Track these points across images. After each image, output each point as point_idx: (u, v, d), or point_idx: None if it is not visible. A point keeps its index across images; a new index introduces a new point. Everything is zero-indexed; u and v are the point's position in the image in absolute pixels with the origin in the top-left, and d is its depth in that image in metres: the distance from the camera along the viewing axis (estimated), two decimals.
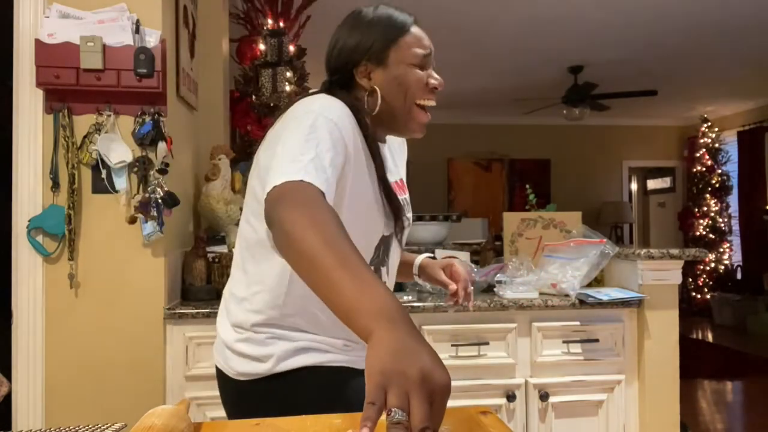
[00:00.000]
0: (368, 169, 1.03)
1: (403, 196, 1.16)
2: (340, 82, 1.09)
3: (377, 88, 1.06)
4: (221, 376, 1.14)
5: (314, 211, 0.76)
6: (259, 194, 0.98)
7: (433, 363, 0.57)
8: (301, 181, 0.81)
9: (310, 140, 0.89)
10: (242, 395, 1.08)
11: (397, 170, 1.19)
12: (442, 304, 1.94)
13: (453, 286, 1.23)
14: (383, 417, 0.54)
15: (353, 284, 0.66)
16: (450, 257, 1.43)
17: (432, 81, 1.08)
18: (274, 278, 1.04)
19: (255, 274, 1.07)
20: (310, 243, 0.71)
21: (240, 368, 1.08)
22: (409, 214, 1.18)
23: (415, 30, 1.08)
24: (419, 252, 1.40)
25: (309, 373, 1.05)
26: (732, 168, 7.31)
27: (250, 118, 2.85)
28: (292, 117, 0.98)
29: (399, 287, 2.14)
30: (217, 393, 1.82)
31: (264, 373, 1.05)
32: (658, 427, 2.03)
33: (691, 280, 7.26)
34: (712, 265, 7.15)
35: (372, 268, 1.07)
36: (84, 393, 1.82)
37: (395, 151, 1.22)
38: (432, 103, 1.09)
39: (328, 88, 1.08)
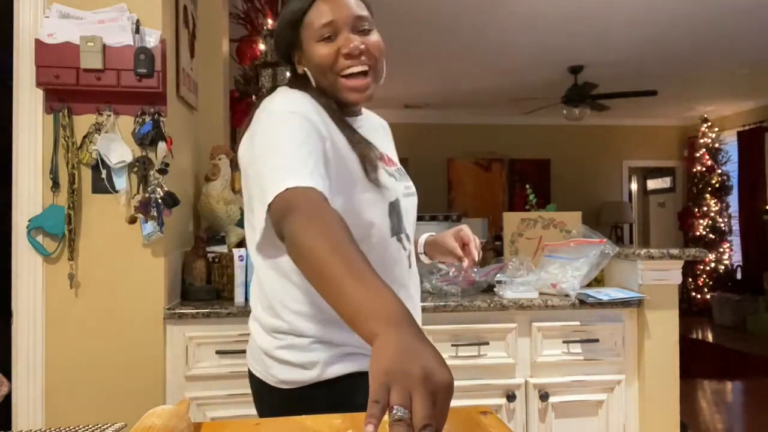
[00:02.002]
0: (347, 144, 1.04)
1: (394, 167, 1.16)
2: (292, 72, 1.13)
3: (306, 70, 1.08)
4: (259, 385, 1.09)
5: (317, 219, 0.78)
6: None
7: (436, 362, 0.58)
8: (295, 188, 0.83)
9: (283, 142, 0.91)
10: (289, 404, 1.04)
11: (380, 144, 1.18)
12: (442, 303, 1.94)
13: (469, 257, 1.23)
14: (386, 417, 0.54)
15: (358, 290, 0.67)
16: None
17: (344, 49, 1.03)
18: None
19: (277, 277, 1.06)
20: (317, 252, 0.73)
21: (282, 376, 1.04)
22: (408, 183, 1.18)
23: (318, 4, 1.04)
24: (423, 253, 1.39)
25: (362, 379, 1.01)
26: (732, 168, 7.31)
27: None
28: (258, 123, 0.99)
29: None
30: (216, 393, 1.83)
31: (310, 380, 1.02)
32: (658, 427, 2.03)
33: (691, 280, 7.26)
34: (712, 265, 7.15)
35: (394, 239, 1.08)
36: (84, 393, 1.82)
37: (377, 128, 1.24)
38: (354, 69, 1.04)
39: (290, 80, 1.13)
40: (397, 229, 1.09)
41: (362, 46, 1.03)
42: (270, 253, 0.94)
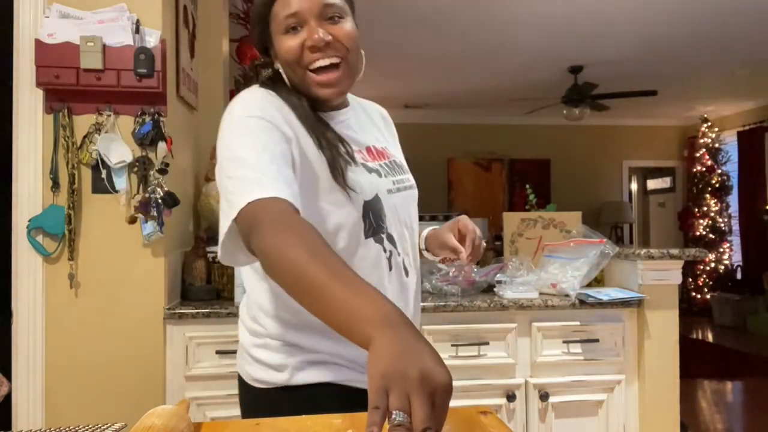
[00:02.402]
0: (315, 145, 0.98)
1: (383, 161, 1.08)
2: (273, 69, 1.07)
3: (278, 65, 1.02)
4: (240, 382, 1.09)
5: (286, 230, 0.75)
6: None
7: (434, 363, 0.57)
8: (258, 200, 0.80)
9: (243, 151, 0.87)
10: (261, 404, 1.03)
11: (372, 137, 1.12)
12: (442, 304, 1.94)
13: (464, 254, 1.11)
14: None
15: (346, 295, 0.66)
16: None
17: (308, 42, 0.96)
18: None
19: (257, 279, 1.04)
20: (294, 264, 0.71)
21: (256, 374, 1.03)
22: (402, 176, 1.10)
23: None
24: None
25: (335, 391, 1.00)
26: (732, 168, 7.31)
27: None
28: (220, 133, 0.95)
29: None
30: (216, 393, 1.83)
31: (281, 383, 1.00)
32: (658, 427, 2.03)
33: (691, 280, 7.26)
34: (712, 265, 7.15)
35: (371, 239, 1.00)
36: (84, 393, 1.82)
37: (373, 118, 1.18)
38: (322, 62, 0.97)
39: (263, 77, 1.07)
40: (375, 230, 1.01)
41: (328, 38, 0.96)
42: (241, 260, 0.90)
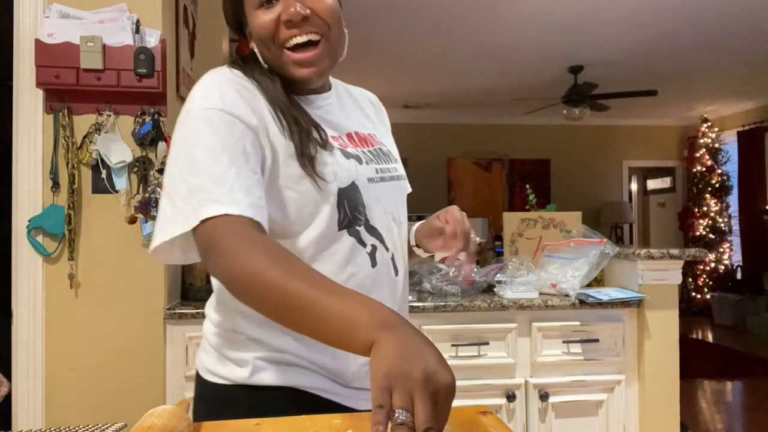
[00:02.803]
0: (282, 132, 0.88)
1: (367, 148, 0.98)
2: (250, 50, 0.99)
3: (253, 45, 0.93)
4: (196, 379, 0.99)
5: (252, 254, 0.71)
6: None
7: (438, 363, 0.57)
8: (212, 218, 0.75)
9: (197, 153, 0.80)
10: (212, 401, 0.93)
11: (357, 123, 1.03)
12: (442, 304, 1.94)
13: (448, 228, 1.01)
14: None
15: (339, 307, 0.64)
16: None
17: (283, 15, 0.86)
18: None
19: None
20: (274, 288, 0.68)
21: (211, 365, 0.93)
22: (388, 165, 1.00)
23: None
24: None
25: (299, 398, 0.90)
26: (732, 168, 7.31)
27: None
28: (179, 121, 0.86)
29: None
30: None
31: (238, 380, 0.90)
32: (658, 427, 2.03)
33: (691, 280, 7.26)
34: (712, 265, 7.14)
35: (345, 231, 0.90)
36: (84, 393, 1.82)
37: (361, 104, 1.10)
38: (299, 39, 0.88)
39: (233, 57, 0.99)
40: (349, 221, 0.90)
41: (305, 11, 0.86)
42: (175, 257, 0.85)
